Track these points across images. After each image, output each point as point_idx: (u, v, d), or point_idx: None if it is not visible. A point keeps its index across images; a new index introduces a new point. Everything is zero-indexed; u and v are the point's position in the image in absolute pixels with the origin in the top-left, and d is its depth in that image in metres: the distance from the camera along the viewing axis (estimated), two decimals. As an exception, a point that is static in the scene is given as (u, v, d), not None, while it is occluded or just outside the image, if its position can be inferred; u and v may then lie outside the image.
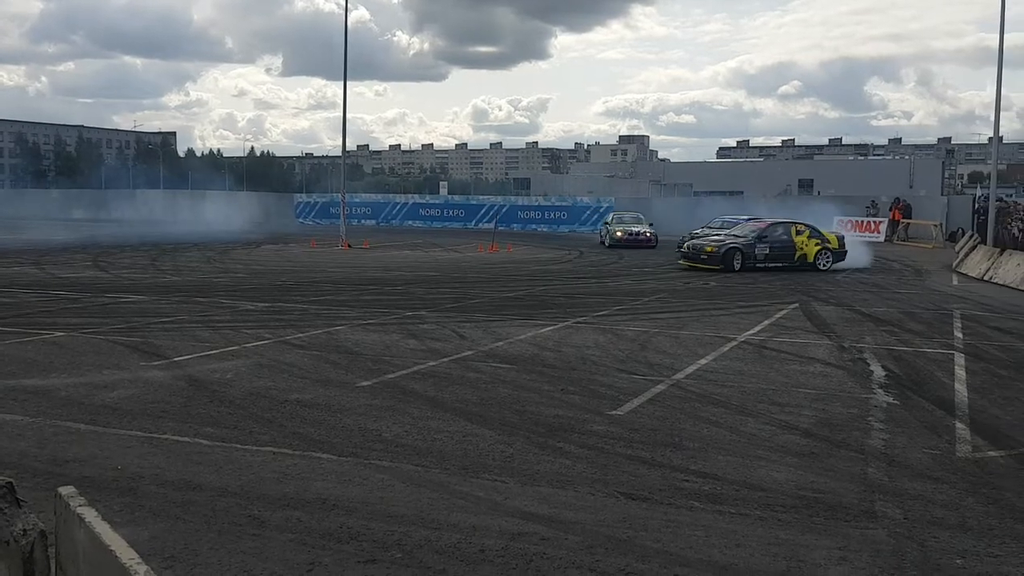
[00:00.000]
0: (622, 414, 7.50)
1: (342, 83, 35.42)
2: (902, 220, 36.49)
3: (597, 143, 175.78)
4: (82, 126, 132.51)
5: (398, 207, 49.27)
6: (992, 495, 5.60)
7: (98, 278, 19.22)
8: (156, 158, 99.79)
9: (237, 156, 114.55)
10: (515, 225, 44.19)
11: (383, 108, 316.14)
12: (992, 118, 25.82)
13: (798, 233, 22.83)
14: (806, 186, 70.99)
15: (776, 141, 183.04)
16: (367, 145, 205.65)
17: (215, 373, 8.94)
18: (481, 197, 53.34)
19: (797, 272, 21.89)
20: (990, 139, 44.69)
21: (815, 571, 4.41)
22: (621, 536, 4.80)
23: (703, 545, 4.70)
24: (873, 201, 39.67)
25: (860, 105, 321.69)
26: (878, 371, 9.58)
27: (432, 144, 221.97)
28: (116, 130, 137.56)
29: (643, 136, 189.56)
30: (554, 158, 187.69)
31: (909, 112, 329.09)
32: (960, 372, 9.55)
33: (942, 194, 56.41)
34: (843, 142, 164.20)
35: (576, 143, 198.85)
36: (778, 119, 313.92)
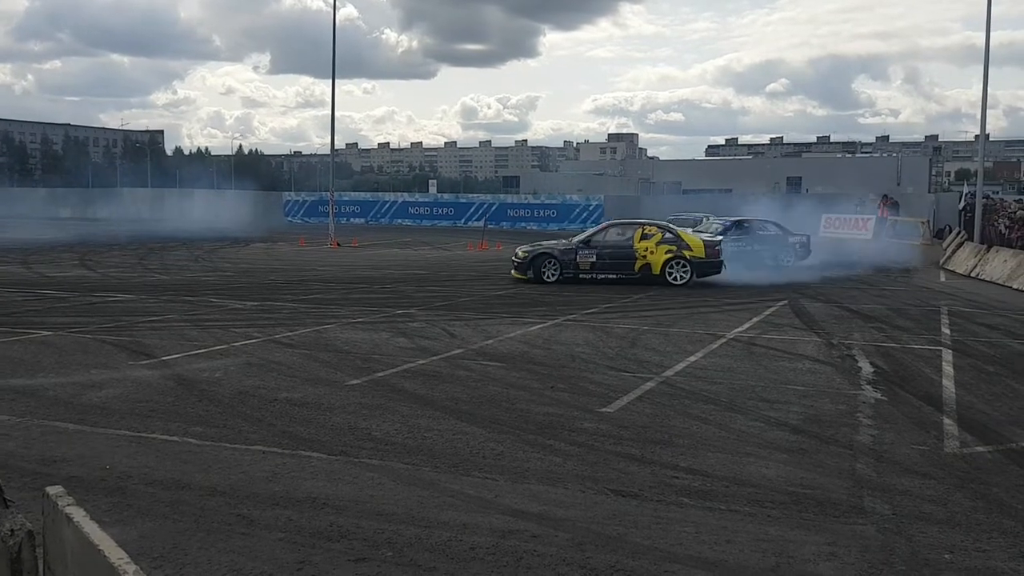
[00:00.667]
0: (612, 411, 7.51)
1: (330, 81, 35.32)
2: (889, 217, 36.67)
3: (586, 141, 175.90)
4: (69, 124, 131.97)
5: (387, 205, 49.21)
6: (980, 490, 5.64)
7: (85, 277, 19.11)
8: (143, 156, 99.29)
9: (225, 154, 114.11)
10: (505, 223, 44.20)
11: (372, 106, 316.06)
12: (979, 116, 26.01)
13: (644, 237, 18.07)
14: (794, 184, 71.29)
15: (765, 139, 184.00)
16: (356, 143, 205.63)
17: (204, 372, 8.90)
18: (471, 195, 53.35)
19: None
20: (977, 136, 44.94)
21: (804, 567, 4.42)
22: (611, 533, 4.80)
23: (693, 542, 4.71)
24: (861, 198, 39.86)
25: (848, 103, 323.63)
26: (866, 367, 9.62)
27: (421, 142, 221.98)
28: (103, 128, 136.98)
29: (632, 134, 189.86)
30: (543, 156, 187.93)
31: (896, 110, 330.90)
32: (948, 368, 9.60)
33: (929, 191, 56.77)
34: (831, 140, 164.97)
35: (565, 141, 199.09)
36: (766, 117, 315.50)
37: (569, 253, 18.30)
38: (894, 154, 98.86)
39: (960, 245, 24.47)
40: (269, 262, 23.90)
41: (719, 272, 18.17)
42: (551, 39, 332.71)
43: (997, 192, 56.93)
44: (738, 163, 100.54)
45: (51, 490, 3.68)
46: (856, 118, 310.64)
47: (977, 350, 10.83)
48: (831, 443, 6.65)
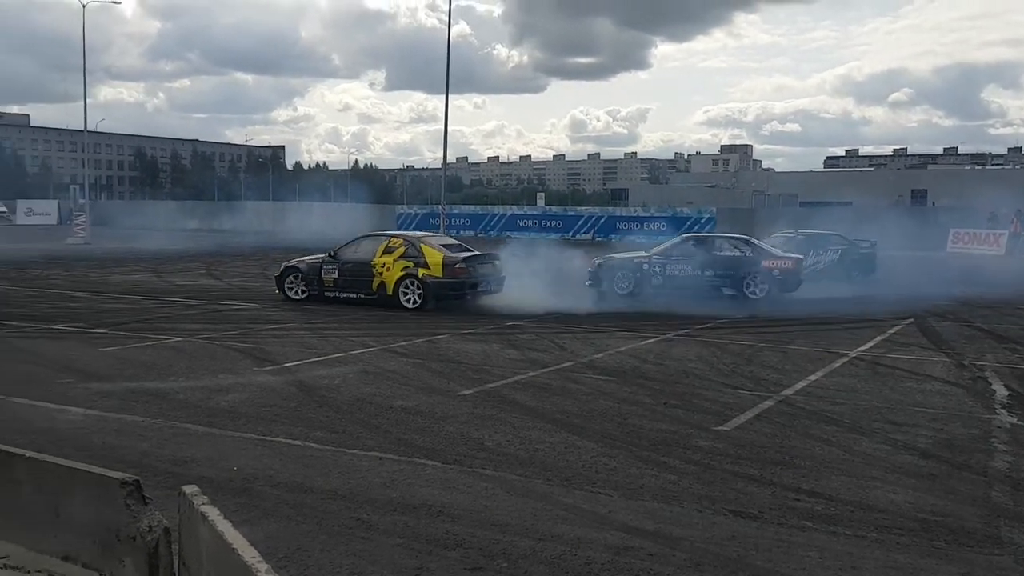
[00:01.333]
0: (728, 430, 7.33)
1: (443, 97, 36.00)
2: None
3: (698, 153, 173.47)
4: (197, 140, 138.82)
5: (496, 218, 49.65)
6: None
7: (212, 286, 20.03)
8: (265, 170, 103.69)
9: (342, 168, 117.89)
10: (614, 236, 43.92)
11: (482, 120, 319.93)
12: None
13: (387, 251, 15.53)
14: (919, 197, 68.24)
15: (887, 150, 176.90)
16: (466, 157, 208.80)
17: (323, 379, 9.17)
18: (579, 208, 53.29)
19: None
20: (1123, 146, 41.96)
21: (939, 599, 4.20)
22: (730, 554, 4.68)
23: (817, 567, 4.54)
24: (993, 213, 37.77)
25: (977, 113, 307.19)
26: (1000, 390, 9.09)
27: (530, 155, 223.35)
28: (228, 144, 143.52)
29: (746, 145, 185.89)
30: (653, 168, 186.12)
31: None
32: (1093, 393, 8.97)
33: (1068, 205, 53.23)
34: (959, 151, 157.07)
35: (676, 153, 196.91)
36: (889, 127, 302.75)
37: (315, 267, 16.16)
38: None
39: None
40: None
41: (462, 295, 15.25)
42: (663, 50, 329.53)
43: None
44: (858, 175, 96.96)
45: (187, 489, 3.85)
46: (986, 129, 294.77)
47: None
48: (964, 469, 6.31)
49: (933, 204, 60.15)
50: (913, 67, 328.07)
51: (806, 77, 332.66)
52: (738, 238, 18.33)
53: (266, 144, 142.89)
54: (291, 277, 16.43)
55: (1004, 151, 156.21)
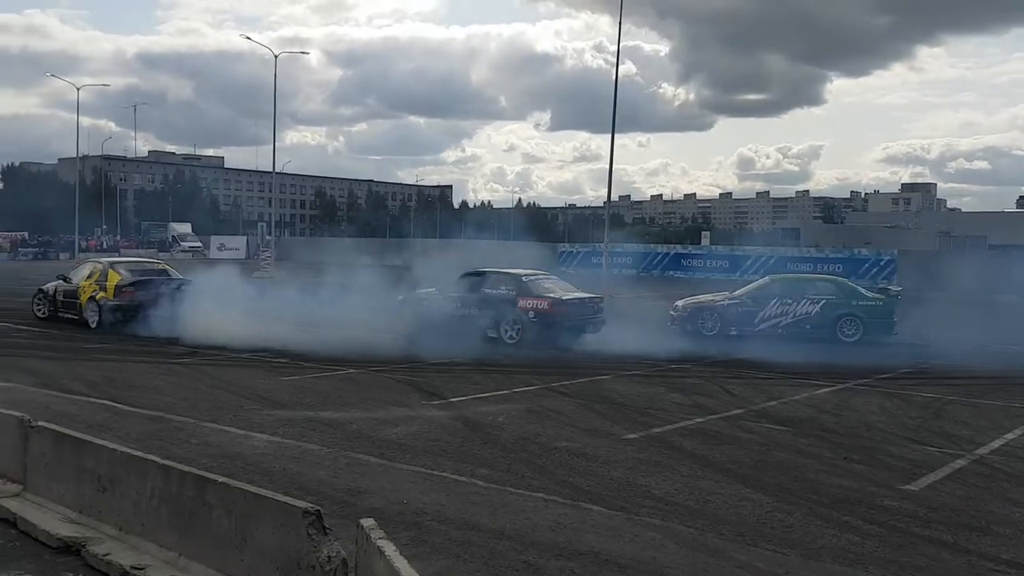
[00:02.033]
0: (916, 490, 6.81)
1: (607, 136, 36.19)
2: None
3: (876, 191, 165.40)
4: (372, 180, 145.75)
5: (659, 257, 49.08)
6: None
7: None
8: (434, 209, 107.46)
9: (506, 207, 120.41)
10: (781, 277, 42.30)
11: (645, 159, 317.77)
12: None
13: (90, 275, 16.86)
14: None
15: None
16: (628, 195, 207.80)
17: (488, 416, 9.27)
18: (746, 247, 51.77)
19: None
20: None
21: None
22: (924, 629, 4.30)
23: (1027, 652, 4.09)
24: None
25: None
26: None
27: (695, 193, 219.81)
28: (400, 184, 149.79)
29: (929, 184, 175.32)
30: (827, 207, 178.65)
31: None
32: None
33: None
34: None
35: (852, 192, 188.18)
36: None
37: (53, 290, 17.44)
38: None
39: None
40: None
41: (134, 318, 15.45)
42: (838, 85, 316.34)
43: None
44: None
45: (365, 523, 3.95)
46: None
47: None
48: None
49: None
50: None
51: (995, 112, 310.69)
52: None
53: (435, 184, 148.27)
54: (37, 298, 17.89)
55: None
